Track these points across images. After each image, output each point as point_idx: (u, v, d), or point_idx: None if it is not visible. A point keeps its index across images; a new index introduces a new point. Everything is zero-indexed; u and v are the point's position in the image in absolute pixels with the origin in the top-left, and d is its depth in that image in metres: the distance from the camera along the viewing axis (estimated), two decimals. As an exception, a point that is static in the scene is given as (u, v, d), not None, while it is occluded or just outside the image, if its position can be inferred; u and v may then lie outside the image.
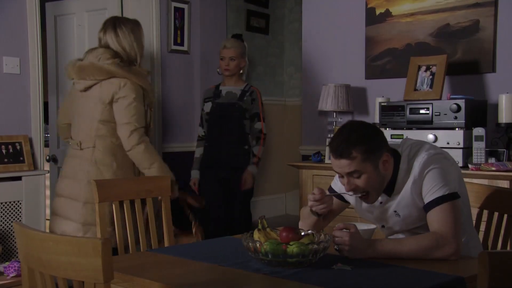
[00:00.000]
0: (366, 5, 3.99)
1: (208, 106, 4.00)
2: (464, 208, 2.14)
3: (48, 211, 3.90)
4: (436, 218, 2.02)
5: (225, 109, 3.91)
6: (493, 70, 3.49)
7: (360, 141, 2.01)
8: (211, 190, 3.95)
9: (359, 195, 2.09)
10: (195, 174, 4.06)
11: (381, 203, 2.15)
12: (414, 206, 2.09)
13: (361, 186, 2.05)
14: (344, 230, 1.98)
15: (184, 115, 4.83)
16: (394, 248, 1.98)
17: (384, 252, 1.98)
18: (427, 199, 2.05)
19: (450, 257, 1.97)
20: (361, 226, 2.15)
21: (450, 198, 2.02)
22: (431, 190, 2.04)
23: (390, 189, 2.11)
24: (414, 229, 2.17)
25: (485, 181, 3.00)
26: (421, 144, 2.14)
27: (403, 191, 2.10)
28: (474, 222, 2.31)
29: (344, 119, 4.04)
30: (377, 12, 3.94)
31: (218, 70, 4.10)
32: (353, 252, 1.95)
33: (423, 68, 3.55)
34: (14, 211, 3.49)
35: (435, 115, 3.36)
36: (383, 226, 2.23)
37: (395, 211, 2.13)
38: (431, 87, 3.50)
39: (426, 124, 3.40)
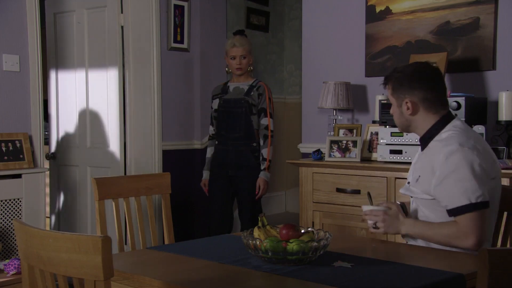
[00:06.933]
0: (366, 2, 3.98)
1: (216, 103, 3.95)
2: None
3: (47, 209, 3.90)
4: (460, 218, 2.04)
5: (232, 104, 3.86)
6: (493, 67, 3.49)
7: (399, 77, 2.17)
8: (218, 188, 3.92)
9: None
10: (205, 175, 4.02)
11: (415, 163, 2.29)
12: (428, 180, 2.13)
13: (392, 114, 2.26)
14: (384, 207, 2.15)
15: (184, 112, 4.83)
16: (423, 228, 2.10)
17: (414, 231, 2.12)
18: (451, 203, 2.05)
19: (471, 249, 2.02)
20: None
21: (480, 207, 2.03)
22: (456, 197, 2.03)
23: (423, 142, 2.21)
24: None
25: (485, 179, 2.99)
26: (466, 132, 2.14)
27: (430, 157, 2.13)
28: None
29: (344, 117, 4.03)
30: (377, 9, 3.93)
31: (226, 69, 4.05)
32: (387, 228, 2.12)
33: (423, 65, 3.55)
34: (14, 208, 3.49)
35: (435, 113, 3.35)
36: (408, 182, 2.29)
37: (419, 176, 2.19)
38: (431, 84, 3.49)
39: (426, 121, 3.38)
